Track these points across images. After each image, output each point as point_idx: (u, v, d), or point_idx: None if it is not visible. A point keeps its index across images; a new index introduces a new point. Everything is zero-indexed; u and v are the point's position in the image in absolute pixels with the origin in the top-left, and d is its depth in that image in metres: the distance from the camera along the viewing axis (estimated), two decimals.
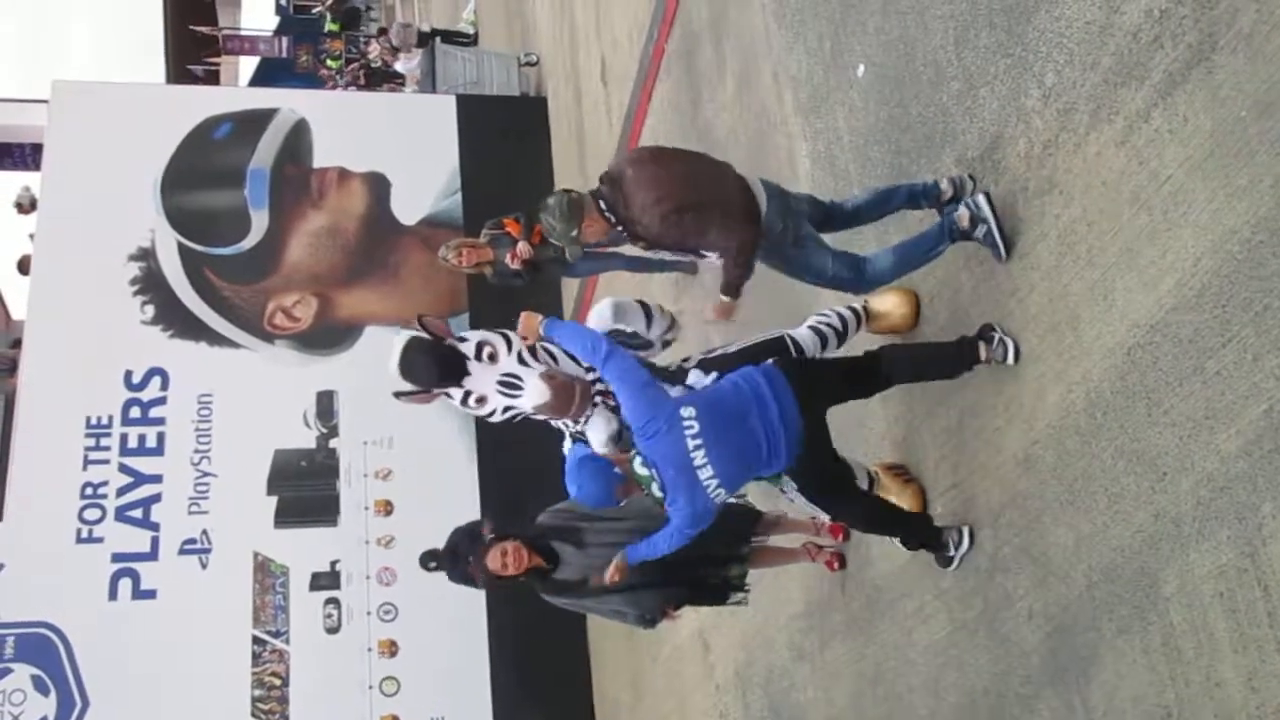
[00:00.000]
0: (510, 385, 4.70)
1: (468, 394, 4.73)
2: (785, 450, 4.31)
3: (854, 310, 5.25)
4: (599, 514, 5.34)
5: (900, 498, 5.12)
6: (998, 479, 4.52)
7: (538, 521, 5.35)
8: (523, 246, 7.09)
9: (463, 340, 4.76)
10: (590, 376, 4.80)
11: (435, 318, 4.79)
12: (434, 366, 4.68)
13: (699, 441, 4.20)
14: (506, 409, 4.76)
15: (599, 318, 5.07)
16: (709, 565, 5.51)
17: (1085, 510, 3.97)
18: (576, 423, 4.81)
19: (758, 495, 5.77)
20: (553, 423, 4.89)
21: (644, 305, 5.20)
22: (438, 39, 15.94)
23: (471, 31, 17.97)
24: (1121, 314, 3.81)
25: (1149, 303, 3.67)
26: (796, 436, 4.30)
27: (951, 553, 4.68)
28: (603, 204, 4.50)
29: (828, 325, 5.18)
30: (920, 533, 4.79)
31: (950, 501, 4.84)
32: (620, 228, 4.53)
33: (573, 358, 4.83)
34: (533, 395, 4.63)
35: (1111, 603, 3.83)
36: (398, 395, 4.89)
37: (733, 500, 5.65)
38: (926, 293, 5.10)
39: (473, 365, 4.69)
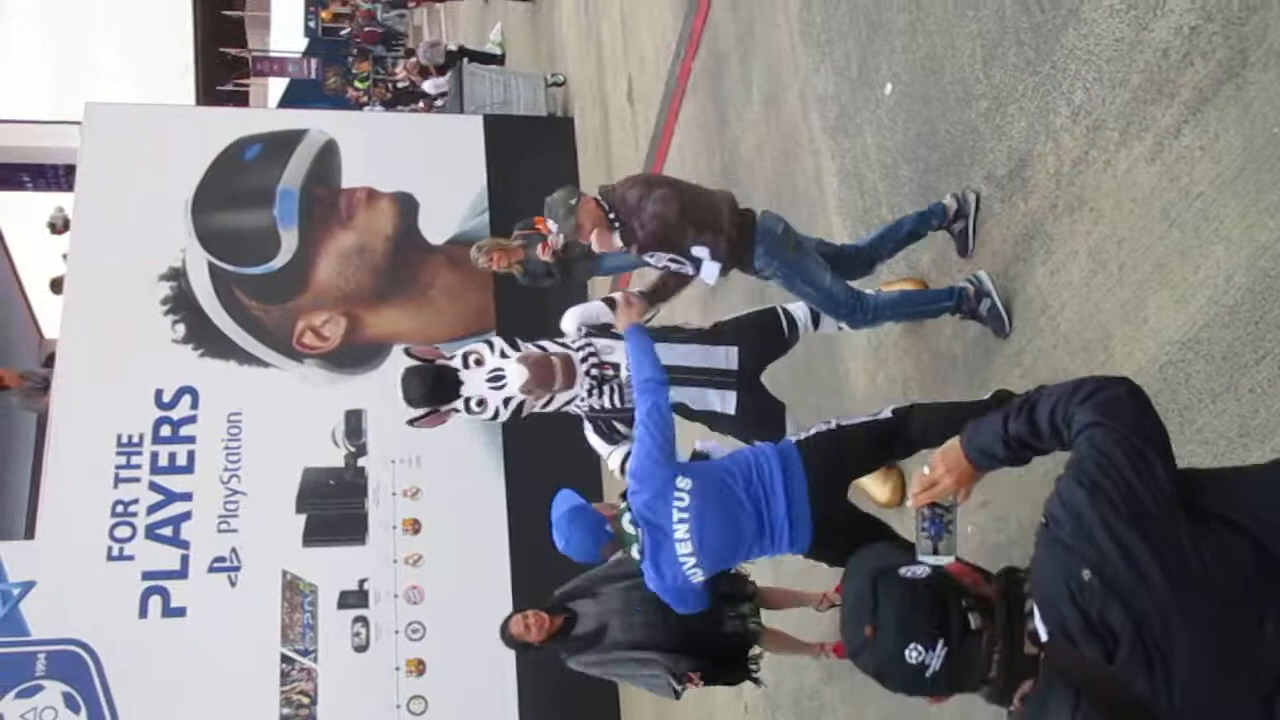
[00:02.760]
0: (496, 379, 4.87)
1: (468, 400, 4.91)
2: (789, 539, 4.24)
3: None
4: (611, 575, 5.41)
5: (881, 489, 5.22)
6: (1028, 497, 4.49)
7: (554, 595, 5.51)
8: (553, 239, 7.16)
9: (451, 357, 4.99)
10: (580, 354, 4.89)
11: (421, 344, 5.15)
12: (430, 387, 4.90)
13: (684, 516, 4.14)
14: (505, 401, 4.90)
15: (577, 316, 5.17)
16: (723, 602, 5.52)
17: None
18: (585, 397, 4.92)
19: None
20: (570, 407, 4.96)
21: (610, 300, 5.28)
22: (465, 59, 16.04)
23: (499, 52, 18.06)
24: (1154, 331, 3.79)
25: (1181, 320, 3.66)
26: (806, 527, 4.23)
27: None
28: (600, 197, 4.80)
29: None
30: None
31: (981, 521, 4.81)
32: (617, 224, 4.76)
33: (564, 344, 4.98)
34: (514, 379, 4.79)
35: None
36: (411, 422, 5.08)
37: None
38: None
39: (464, 374, 4.89)
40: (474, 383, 4.87)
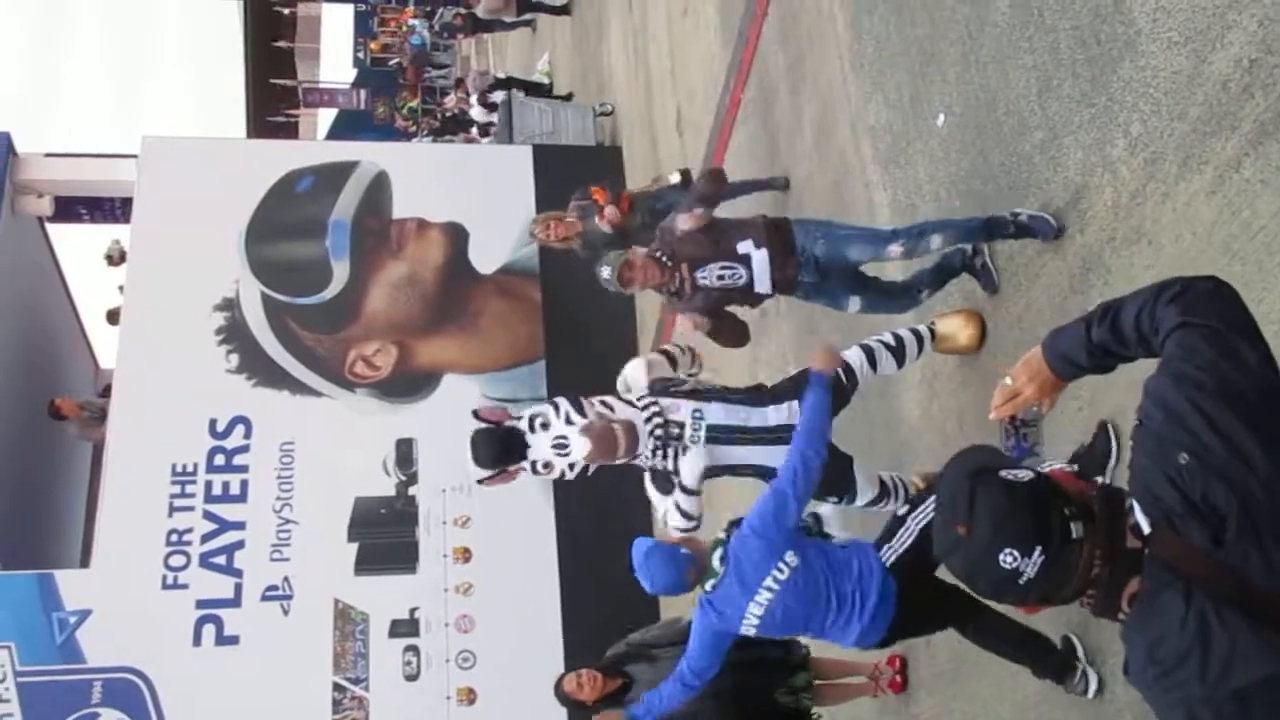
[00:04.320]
0: (561, 447, 4.99)
1: (534, 463, 5.07)
2: (859, 633, 4.30)
3: (916, 331, 5.30)
4: (666, 639, 5.44)
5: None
6: None
7: (606, 655, 5.54)
8: (610, 211, 7.21)
9: (519, 418, 5.12)
10: (645, 414, 4.92)
11: (489, 407, 5.19)
12: (496, 450, 5.08)
13: (774, 587, 4.20)
14: (570, 466, 5.04)
15: (634, 374, 5.22)
16: (775, 673, 5.50)
17: None
18: (649, 458, 4.97)
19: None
20: (635, 461, 4.98)
21: (666, 352, 5.43)
22: (514, 90, 16.13)
23: (547, 81, 18.17)
24: None
25: None
26: (881, 630, 4.31)
27: (1083, 690, 4.45)
28: (656, 250, 5.12)
29: (879, 342, 5.24)
30: (1048, 664, 4.53)
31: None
32: (667, 260, 5.07)
33: (630, 403, 5.01)
34: (577, 450, 4.89)
35: None
36: (480, 482, 5.27)
37: None
38: (1012, 342, 5.06)
39: (530, 438, 5.03)
40: (540, 447, 5.00)
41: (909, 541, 4.35)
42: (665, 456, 4.90)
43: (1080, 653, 4.45)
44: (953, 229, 5.09)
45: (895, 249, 5.07)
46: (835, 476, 4.97)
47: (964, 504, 1.97)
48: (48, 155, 13.29)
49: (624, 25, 13.74)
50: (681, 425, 4.90)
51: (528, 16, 18.72)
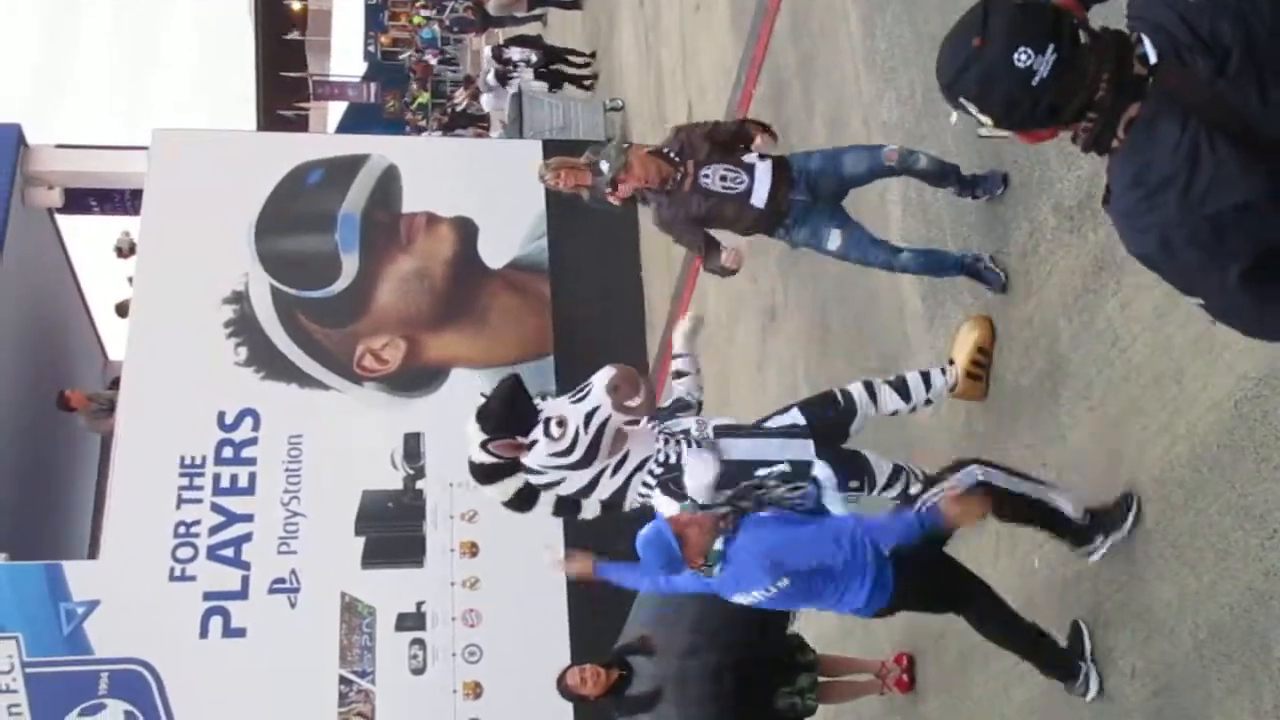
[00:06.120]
0: (579, 394, 4.77)
1: (547, 422, 4.75)
2: (862, 600, 4.24)
3: (924, 371, 5.23)
4: (662, 622, 5.38)
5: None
6: None
7: (614, 649, 5.50)
8: (623, 189, 7.22)
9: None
10: (650, 425, 4.92)
11: (502, 441, 4.84)
12: (505, 411, 4.85)
13: (771, 596, 4.25)
14: (587, 418, 4.72)
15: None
16: (778, 675, 5.46)
17: (1191, 566, 3.88)
18: (661, 447, 4.84)
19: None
20: (642, 476, 4.86)
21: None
22: (518, 81, 16.06)
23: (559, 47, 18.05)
24: (1228, 366, 3.73)
25: (1258, 355, 3.59)
26: (883, 599, 4.26)
27: (1084, 693, 4.39)
28: (665, 147, 5.37)
29: (885, 381, 5.14)
30: (1054, 663, 4.46)
31: (1048, 555, 4.75)
32: (678, 154, 5.32)
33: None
34: (598, 386, 4.66)
35: (1219, 661, 3.73)
36: (478, 479, 5.24)
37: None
38: (1023, 341, 5.04)
39: (542, 404, 4.85)
40: (553, 405, 4.80)
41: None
42: (675, 447, 4.82)
43: (1088, 649, 4.38)
44: (934, 159, 5.38)
45: (890, 150, 5.34)
46: (852, 468, 4.94)
47: (978, 19, 2.08)
48: (58, 147, 13.30)
49: (635, 20, 13.72)
50: (687, 430, 4.86)
51: (538, 11, 18.69)
